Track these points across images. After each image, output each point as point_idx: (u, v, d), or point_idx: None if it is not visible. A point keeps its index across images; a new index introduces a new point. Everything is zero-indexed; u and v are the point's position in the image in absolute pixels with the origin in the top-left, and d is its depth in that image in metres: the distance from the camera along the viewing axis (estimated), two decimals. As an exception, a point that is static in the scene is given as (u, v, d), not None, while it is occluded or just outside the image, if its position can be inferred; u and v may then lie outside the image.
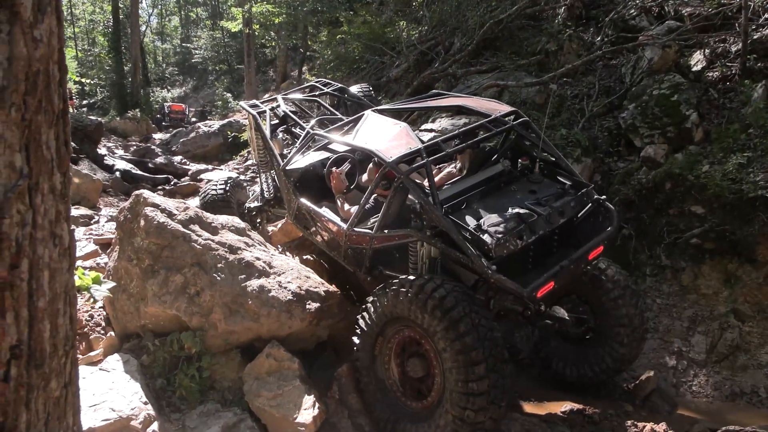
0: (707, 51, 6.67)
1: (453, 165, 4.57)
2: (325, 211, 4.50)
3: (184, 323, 4.07)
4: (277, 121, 5.65)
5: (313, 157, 4.73)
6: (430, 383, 3.59)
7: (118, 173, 11.74)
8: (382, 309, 3.67)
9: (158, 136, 21.45)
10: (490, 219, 3.53)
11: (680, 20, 7.27)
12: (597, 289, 4.31)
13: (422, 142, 4.05)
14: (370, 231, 3.97)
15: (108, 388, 3.57)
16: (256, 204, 6.14)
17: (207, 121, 21.08)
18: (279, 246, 5.88)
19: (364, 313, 3.81)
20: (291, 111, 5.83)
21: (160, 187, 11.47)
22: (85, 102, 34.32)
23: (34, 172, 1.07)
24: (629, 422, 4.06)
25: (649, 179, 5.72)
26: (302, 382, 3.83)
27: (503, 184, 4.05)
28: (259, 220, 6.26)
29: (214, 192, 6.31)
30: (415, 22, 12.28)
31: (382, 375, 3.82)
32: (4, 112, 1.00)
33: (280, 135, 5.53)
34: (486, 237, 3.39)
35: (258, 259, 4.38)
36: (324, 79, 7.43)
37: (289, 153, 5.00)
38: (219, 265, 4.17)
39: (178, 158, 15.67)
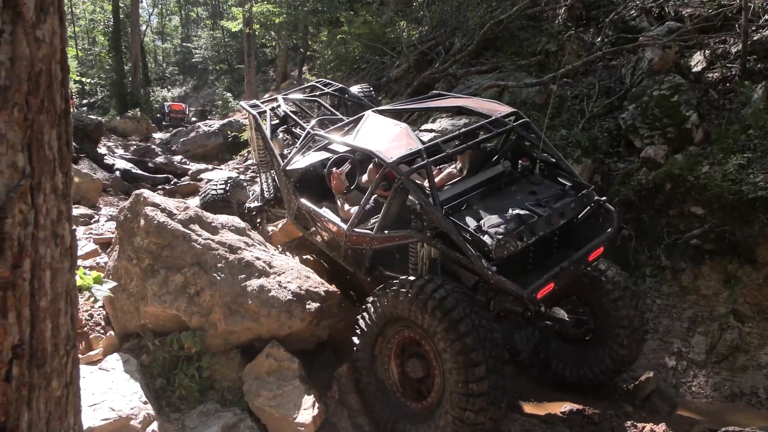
0: (707, 52, 6.67)
1: (453, 166, 4.57)
2: (325, 212, 4.50)
3: (184, 323, 4.07)
4: (277, 121, 5.65)
5: (313, 157, 4.73)
6: (430, 384, 3.59)
7: (118, 173, 11.75)
8: (382, 309, 3.67)
9: (158, 135, 21.45)
10: (490, 220, 3.53)
11: (680, 21, 7.28)
12: (597, 290, 4.31)
13: (422, 142, 4.05)
14: (370, 231, 3.97)
15: (107, 387, 3.57)
16: (256, 204, 6.14)
17: (207, 121, 21.08)
18: (279, 246, 5.88)
19: (364, 314, 3.81)
20: (291, 111, 5.83)
21: (160, 187, 11.47)
22: (85, 101, 34.32)
23: (36, 171, 1.07)
24: (629, 423, 4.07)
25: (649, 180, 5.73)
26: (302, 382, 3.83)
27: (503, 185, 4.05)
28: (259, 220, 6.26)
29: (214, 192, 6.31)
30: (415, 23, 12.29)
31: (382, 375, 3.82)
32: (6, 112, 1.00)
33: (281, 135, 5.53)
34: (486, 238, 3.39)
35: (258, 258, 4.38)
36: (324, 79, 7.43)
37: (290, 153, 5.00)
38: (219, 265, 4.17)
39: (178, 158, 15.67)
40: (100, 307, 4.72)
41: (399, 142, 3.98)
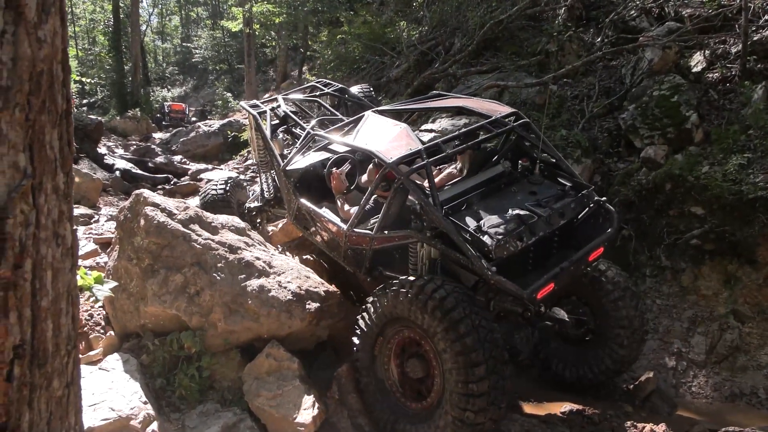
0: (707, 52, 6.68)
1: (453, 166, 4.58)
2: (325, 212, 4.50)
3: (184, 323, 4.08)
4: (277, 121, 5.65)
5: (313, 157, 4.74)
6: (430, 384, 3.59)
7: (118, 172, 11.75)
8: (382, 309, 3.67)
9: (158, 135, 21.46)
10: (490, 220, 3.53)
11: (680, 21, 7.28)
12: (597, 290, 4.31)
13: (422, 143, 4.05)
14: (370, 232, 3.97)
15: (107, 387, 3.57)
16: (256, 204, 6.14)
17: (207, 121, 21.09)
18: (279, 246, 5.88)
19: (364, 314, 3.81)
20: (291, 111, 5.84)
21: (159, 187, 11.47)
22: (85, 101, 34.30)
23: (37, 172, 1.07)
24: (629, 423, 4.07)
25: (649, 180, 5.73)
26: (302, 382, 3.83)
27: (503, 186, 4.05)
28: (259, 220, 6.26)
29: (214, 192, 6.31)
30: (415, 23, 12.29)
31: (382, 375, 3.82)
32: (8, 112, 1.00)
33: (281, 135, 5.53)
34: (486, 238, 3.39)
35: (258, 258, 4.39)
36: (324, 80, 7.43)
37: (290, 153, 5.00)
38: (219, 265, 4.17)
39: (178, 158, 15.67)
40: (100, 307, 4.72)
41: (399, 143, 3.99)
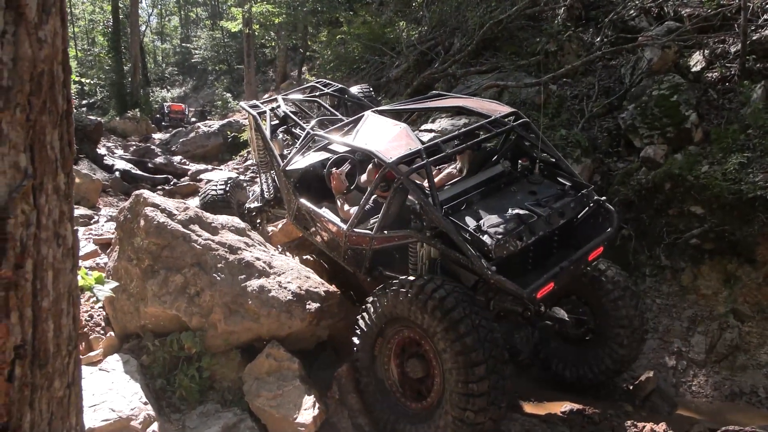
0: (706, 52, 6.68)
1: (453, 166, 4.58)
2: (325, 212, 4.50)
3: (184, 323, 4.08)
4: (277, 121, 5.65)
5: (313, 157, 4.74)
6: (430, 384, 3.59)
7: (117, 173, 11.74)
8: (382, 309, 3.67)
9: (158, 136, 21.46)
10: (489, 220, 3.53)
11: (680, 21, 7.29)
12: (597, 290, 4.31)
13: (422, 142, 4.05)
14: (369, 232, 3.97)
15: (108, 388, 3.57)
16: (256, 204, 6.14)
17: (207, 121, 21.09)
18: (279, 246, 5.88)
19: (364, 314, 3.81)
20: (291, 111, 5.84)
21: (159, 187, 11.47)
22: (84, 102, 34.29)
23: (38, 172, 1.07)
24: (629, 422, 4.07)
25: (648, 180, 5.73)
26: (302, 382, 3.83)
27: (503, 185, 4.05)
28: (259, 221, 6.26)
29: (214, 192, 6.31)
30: (415, 23, 12.29)
31: (382, 375, 3.82)
32: (9, 112, 1.00)
33: (280, 135, 5.53)
34: (486, 238, 3.40)
35: (258, 259, 4.39)
36: (324, 80, 7.43)
37: (289, 153, 5.00)
38: (219, 265, 4.17)
39: (177, 158, 15.67)
40: (100, 307, 4.72)
41: (398, 142, 3.99)
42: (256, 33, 20.06)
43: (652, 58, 6.69)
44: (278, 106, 5.89)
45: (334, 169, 4.67)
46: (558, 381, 4.58)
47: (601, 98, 7.15)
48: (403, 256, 4.05)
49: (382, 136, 4.15)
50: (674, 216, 5.48)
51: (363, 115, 4.60)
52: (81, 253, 5.82)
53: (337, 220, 4.37)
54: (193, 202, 6.38)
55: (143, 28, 42.02)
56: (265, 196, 5.95)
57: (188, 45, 40.92)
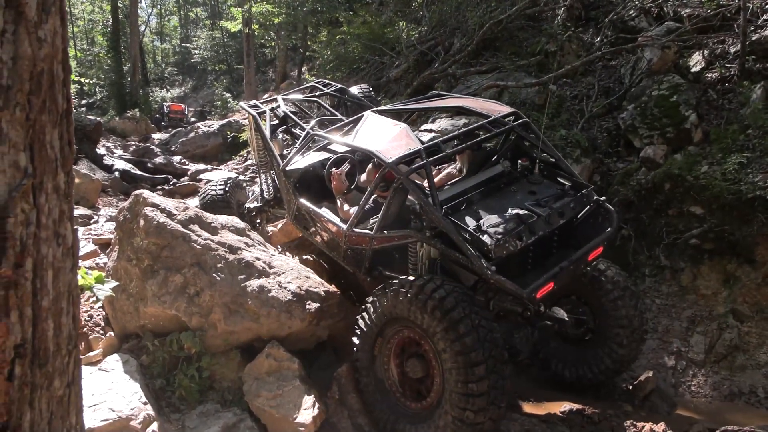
0: (706, 52, 6.68)
1: (453, 166, 4.58)
2: (325, 212, 4.51)
3: (184, 323, 4.07)
4: (277, 121, 5.65)
5: (312, 157, 4.74)
6: (430, 384, 3.59)
7: (117, 173, 11.73)
8: (382, 309, 3.67)
9: (157, 136, 21.44)
10: (489, 220, 3.53)
11: (679, 21, 7.29)
12: (596, 290, 4.32)
13: (422, 142, 4.05)
14: (369, 232, 3.98)
15: (107, 388, 3.57)
16: (255, 204, 6.14)
17: (206, 121, 21.08)
18: (279, 246, 5.88)
19: (364, 314, 3.82)
20: (291, 111, 5.84)
21: (159, 187, 11.46)
22: (84, 102, 34.27)
23: (38, 171, 1.07)
24: (628, 422, 4.07)
25: (648, 180, 5.73)
26: (302, 382, 3.83)
27: (503, 185, 4.05)
28: (258, 221, 6.26)
29: (213, 192, 6.31)
30: (414, 23, 12.29)
31: (382, 375, 3.82)
32: (8, 111, 1.00)
33: (280, 135, 5.53)
34: (485, 238, 3.40)
35: (258, 259, 4.39)
36: (324, 80, 7.44)
37: (289, 153, 5.00)
38: (219, 265, 4.17)
39: (177, 158, 15.66)
40: (99, 307, 4.71)
41: (398, 142, 3.99)
42: (256, 33, 20.06)
43: (651, 59, 6.70)
44: (278, 106, 5.89)
45: (334, 169, 4.67)
46: (557, 381, 4.59)
47: (600, 98, 7.15)
48: (403, 256, 4.05)
49: (382, 136, 4.15)
50: (674, 216, 5.49)
51: (363, 115, 4.60)
52: (80, 253, 5.81)
53: (336, 220, 4.37)
54: (193, 202, 6.38)
55: (143, 27, 41.99)
56: (265, 196, 5.95)
57: (188, 45, 40.91)
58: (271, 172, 5.74)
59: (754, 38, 6.25)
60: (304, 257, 5.69)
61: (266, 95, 18.94)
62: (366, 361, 3.84)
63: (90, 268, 5.29)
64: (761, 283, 4.89)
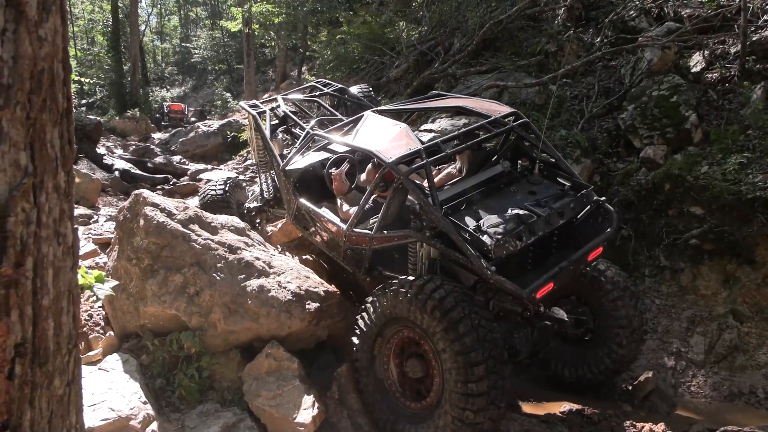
0: (706, 52, 6.69)
1: (453, 166, 4.58)
2: (325, 212, 4.51)
3: (184, 323, 4.07)
4: (276, 121, 5.65)
5: (312, 157, 4.74)
6: (429, 384, 3.59)
7: (117, 173, 11.73)
8: (382, 309, 3.67)
9: (157, 135, 21.44)
10: (489, 220, 3.53)
11: (680, 21, 7.29)
12: (596, 290, 4.32)
13: (422, 142, 4.05)
14: (369, 232, 3.97)
15: (107, 387, 3.57)
16: (255, 204, 6.14)
17: (206, 121, 21.07)
18: (278, 246, 5.88)
19: (364, 314, 3.82)
20: (291, 111, 5.84)
21: (159, 187, 11.46)
22: (84, 101, 34.26)
23: (38, 170, 1.07)
24: (628, 422, 4.07)
25: (648, 180, 5.74)
26: (302, 382, 3.83)
27: (503, 185, 4.05)
28: (258, 221, 6.26)
29: (213, 192, 6.31)
30: (414, 23, 12.29)
31: (382, 375, 3.82)
32: (9, 110, 1.00)
33: (280, 135, 5.53)
34: (485, 238, 3.40)
35: (257, 258, 4.39)
36: (324, 80, 7.44)
37: (289, 153, 5.00)
38: (218, 265, 4.17)
39: (177, 158, 15.66)
40: (99, 307, 4.71)
41: (398, 142, 3.99)
42: (256, 33, 20.06)
43: (652, 59, 6.70)
44: (278, 106, 5.89)
45: (333, 169, 4.66)
46: (557, 381, 4.59)
47: (600, 99, 7.16)
48: (403, 256, 4.05)
49: (382, 136, 4.15)
50: (674, 216, 5.49)
51: (363, 115, 4.60)
52: (80, 253, 5.81)
53: (336, 220, 4.37)
54: (193, 202, 6.38)
55: (143, 27, 41.99)
56: (265, 195, 5.95)
57: (188, 45, 40.90)
58: (271, 171, 5.74)
59: (754, 39, 6.25)
60: (304, 257, 5.69)
61: (266, 95, 18.94)
62: (366, 361, 3.84)
63: (90, 267, 5.29)
64: (761, 283, 4.89)
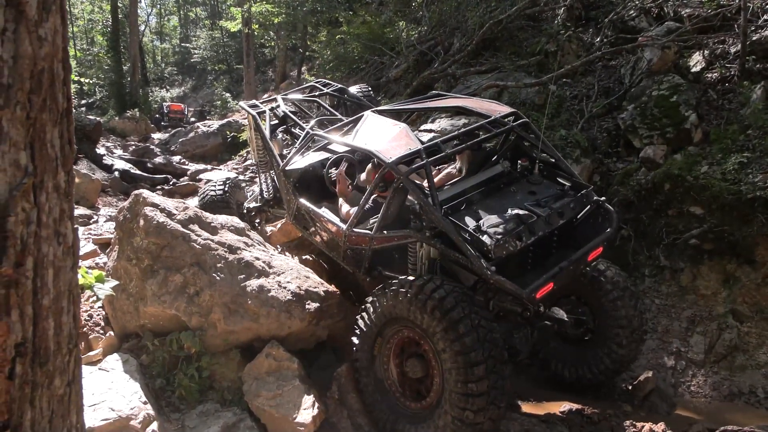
0: (706, 52, 6.69)
1: (452, 166, 4.58)
2: (325, 212, 4.51)
3: (184, 323, 4.07)
4: (276, 121, 5.65)
5: (312, 157, 4.74)
6: (429, 384, 3.59)
7: (116, 173, 11.72)
8: (382, 309, 3.67)
9: (157, 135, 21.43)
10: (489, 220, 3.53)
11: (679, 21, 7.29)
12: (596, 290, 4.32)
13: (422, 142, 4.05)
14: (369, 232, 3.97)
15: (107, 387, 3.57)
16: (255, 204, 6.14)
17: (206, 121, 21.07)
18: (278, 246, 5.88)
19: (364, 314, 3.81)
20: (291, 111, 5.84)
21: (159, 187, 11.46)
22: (83, 101, 34.25)
23: (38, 170, 1.07)
24: (628, 422, 4.07)
25: (648, 180, 5.74)
26: (302, 382, 3.83)
27: (503, 185, 4.05)
28: (258, 221, 6.26)
29: (213, 192, 6.31)
30: (414, 23, 12.29)
31: (381, 375, 3.82)
32: (9, 110, 1.00)
33: (280, 135, 5.53)
34: (485, 238, 3.40)
35: (257, 259, 4.39)
36: (323, 80, 7.44)
37: (289, 153, 5.00)
38: (218, 265, 4.17)
39: (176, 158, 15.66)
40: (99, 307, 4.71)
41: (398, 142, 3.99)
42: (256, 33, 20.06)
43: (651, 59, 6.70)
44: (278, 106, 5.89)
45: (333, 170, 4.66)
46: (557, 381, 4.59)
47: (600, 98, 7.15)
48: (403, 256, 4.05)
49: (382, 136, 4.15)
50: (673, 216, 5.49)
51: (362, 115, 4.60)
52: (80, 253, 5.81)
53: (336, 220, 4.37)
54: (193, 202, 6.38)
55: (142, 27, 41.95)
56: (265, 196, 5.95)
57: (187, 45, 40.90)
58: (271, 172, 5.74)
59: (754, 38, 6.25)
60: (304, 257, 5.69)
61: (266, 95, 18.93)
62: (366, 361, 3.84)
63: (90, 267, 5.29)
64: (761, 283, 4.89)
